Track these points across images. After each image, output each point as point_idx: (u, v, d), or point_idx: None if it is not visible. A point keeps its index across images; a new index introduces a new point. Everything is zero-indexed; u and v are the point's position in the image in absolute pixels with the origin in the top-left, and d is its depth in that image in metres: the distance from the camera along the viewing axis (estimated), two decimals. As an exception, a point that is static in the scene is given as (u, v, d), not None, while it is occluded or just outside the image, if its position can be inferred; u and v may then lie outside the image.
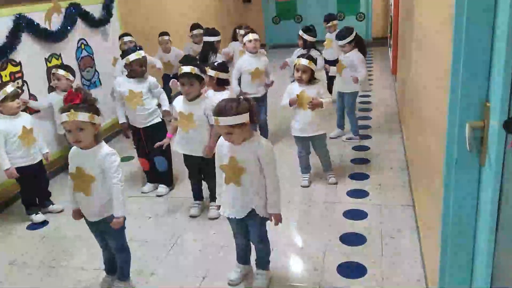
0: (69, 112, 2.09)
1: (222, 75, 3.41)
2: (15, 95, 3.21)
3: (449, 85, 1.53)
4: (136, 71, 3.48)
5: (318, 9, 9.88)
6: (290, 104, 3.43)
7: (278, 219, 2.32)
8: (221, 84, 3.43)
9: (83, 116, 2.11)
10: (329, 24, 5.63)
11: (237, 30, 5.34)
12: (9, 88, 3.17)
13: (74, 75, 3.92)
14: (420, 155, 2.86)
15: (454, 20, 1.45)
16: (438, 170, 1.87)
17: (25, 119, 3.29)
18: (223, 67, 3.46)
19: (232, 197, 2.27)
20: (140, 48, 3.54)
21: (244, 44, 4.37)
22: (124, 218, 2.31)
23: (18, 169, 3.24)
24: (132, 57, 3.45)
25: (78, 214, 2.36)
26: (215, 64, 3.46)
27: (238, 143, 2.18)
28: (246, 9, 10.42)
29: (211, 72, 3.38)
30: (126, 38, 4.73)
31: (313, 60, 3.44)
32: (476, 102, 1.43)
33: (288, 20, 10.28)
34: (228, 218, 2.40)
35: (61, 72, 3.80)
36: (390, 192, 3.42)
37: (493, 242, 1.41)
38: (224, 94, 3.28)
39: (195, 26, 5.64)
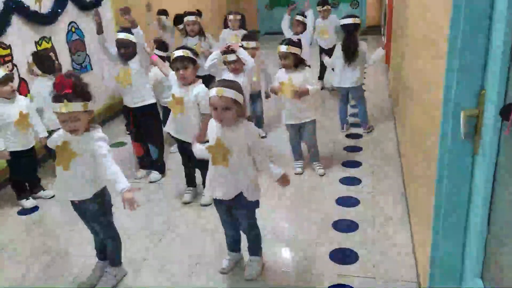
0: (62, 104, 2.04)
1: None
2: (7, 79, 3.15)
3: (444, 73, 1.52)
4: (121, 53, 3.44)
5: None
6: (272, 91, 3.45)
7: (286, 179, 2.31)
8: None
9: (77, 106, 2.06)
10: (324, 8, 5.56)
11: (228, 16, 5.26)
12: (1, 72, 3.12)
13: (52, 72, 3.60)
14: (413, 143, 2.87)
15: (451, 7, 1.44)
16: (431, 158, 1.88)
17: (22, 103, 3.25)
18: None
19: (220, 178, 2.26)
20: (125, 30, 3.46)
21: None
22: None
23: (12, 153, 3.20)
24: (117, 35, 3.44)
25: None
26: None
27: (228, 123, 2.17)
28: (240, -5, 10.31)
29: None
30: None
31: (294, 44, 3.39)
32: (471, 90, 1.43)
33: (281, 7, 10.18)
34: (217, 206, 2.40)
35: (37, 71, 3.63)
36: (383, 179, 3.44)
37: (485, 230, 1.42)
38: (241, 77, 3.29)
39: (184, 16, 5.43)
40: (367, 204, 3.11)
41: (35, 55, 3.70)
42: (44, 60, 3.64)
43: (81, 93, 2.09)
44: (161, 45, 4.12)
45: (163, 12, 5.58)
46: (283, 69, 3.47)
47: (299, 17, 5.08)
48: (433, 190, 1.68)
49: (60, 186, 2.28)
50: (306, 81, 3.39)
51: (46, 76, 3.54)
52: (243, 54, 3.23)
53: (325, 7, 5.58)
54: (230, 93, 2.12)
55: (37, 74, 3.63)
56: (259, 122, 4.46)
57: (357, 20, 4.20)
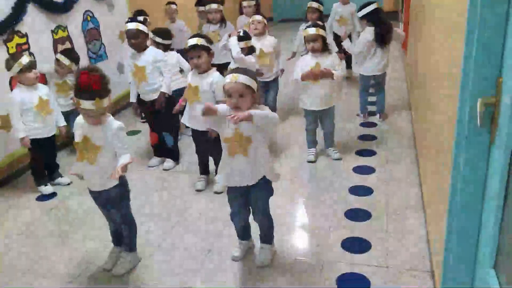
0: (94, 101, 2.09)
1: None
2: (31, 66, 3.21)
3: (462, 60, 1.49)
4: (131, 43, 3.44)
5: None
6: (303, 79, 3.36)
7: (244, 116, 2.09)
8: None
9: (106, 102, 2.15)
10: None
11: (242, 3, 5.21)
12: (24, 60, 3.18)
13: (77, 63, 3.80)
14: (428, 132, 2.83)
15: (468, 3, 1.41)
16: (447, 147, 1.85)
17: (42, 90, 3.32)
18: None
19: (239, 167, 2.25)
20: (135, 20, 3.46)
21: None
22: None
23: (32, 140, 3.28)
24: (126, 26, 3.44)
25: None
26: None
27: (243, 110, 2.16)
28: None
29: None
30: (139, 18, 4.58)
31: (321, 27, 3.37)
32: (488, 78, 1.40)
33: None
34: (231, 194, 2.40)
35: (66, 62, 3.70)
36: (397, 169, 3.41)
37: (499, 220, 1.40)
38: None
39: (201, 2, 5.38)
40: (381, 193, 3.08)
41: (64, 52, 3.82)
42: (70, 53, 3.81)
43: (107, 87, 2.15)
44: (163, 33, 3.98)
45: (171, 1, 5.49)
46: (308, 55, 3.43)
47: (314, 4, 4.83)
48: (449, 179, 1.66)
49: (90, 181, 2.34)
50: (333, 66, 3.36)
51: (72, 67, 3.70)
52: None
53: None
54: (245, 79, 2.12)
55: (63, 67, 3.72)
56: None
57: (379, 4, 4.15)
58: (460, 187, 1.57)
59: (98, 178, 2.29)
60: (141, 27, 3.41)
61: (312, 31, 3.33)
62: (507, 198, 1.36)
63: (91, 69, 2.16)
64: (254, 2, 5.03)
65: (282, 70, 4.37)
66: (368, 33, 4.10)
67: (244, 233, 2.55)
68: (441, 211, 1.87)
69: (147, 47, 3.49)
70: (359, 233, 2.66)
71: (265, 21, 4.18)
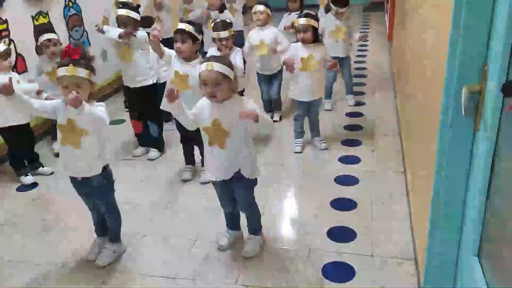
0: (68, 67, 2.04)
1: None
2: (6, 54, 3.13)
3: (447, 48, 1.49)
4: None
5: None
6: (287, 65, 3.29)
7: (251, 114, 2.08)
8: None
9: (82, 72, 2.06)
10: None
11: None
12: (1, 47, 3.10)
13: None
14: (414, 120, 2.84)
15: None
16: (431, 135, 1.86)
17: (14, 76, 3.22)
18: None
19: (217, 159, 2.24)
20: (125, 6, 3.39)
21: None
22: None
23: (8, 128, 3.22)
24: (117, 12, 3.37)
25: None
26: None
27: (220, 100, 2.14)
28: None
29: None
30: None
31: (313, 17, 3.35)
32: (474, 66, 1.39)
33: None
34: (214, 185, 2.39)
35: (54, 36, 3.58)
36: (382, 158, 3.43)
37: (483, 208, 1.41)
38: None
39: None
40: (366, 183, 3.10)
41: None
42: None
43: (88, 62, 2.10)
44: (145, 20, 3.87)
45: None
46: (299, 44, 3.39)
47: None
48: (433, 166, 1.67)
49: (70, 165, 2.27)
50: (324, 58, 3.36)
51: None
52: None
53: None
54: (220, 67, 2.08)
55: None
56: (276, 105, 4.33)
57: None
58: (444, 175, 1.58)
59: (83, 164, 2.23)
60: (132, 14, 3.34)
61: (303, 21, 3.29)
62: (490, 186, 1.37)
63: (76, 44, 2.15)
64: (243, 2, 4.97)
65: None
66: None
67: (232, 223, 2.54)
68: (425, 200, 1.89)
69: (137, 30, 3.40)
70: (344, 222, 2.67)
71: (269, 11, 4.03)
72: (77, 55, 2.05)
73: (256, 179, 2.35)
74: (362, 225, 2.63)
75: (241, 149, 2.21)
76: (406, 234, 2.51)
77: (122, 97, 4.62)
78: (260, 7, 4.02)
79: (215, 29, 3.36)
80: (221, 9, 4.67)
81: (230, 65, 2.14)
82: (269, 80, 4.19)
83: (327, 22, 4.19)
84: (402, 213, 2.71)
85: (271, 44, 3.90)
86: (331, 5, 4.16)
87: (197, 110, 2.25)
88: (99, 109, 2.17)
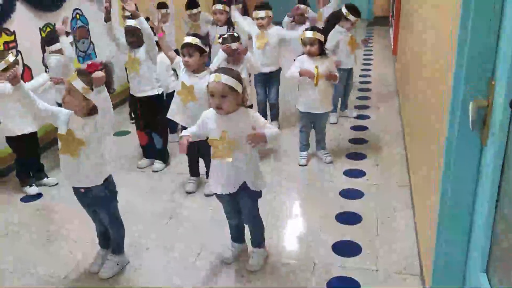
0: (73, 74, 2.12)
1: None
2: (15, 64, 3.16)
3: (454, 62, 1.49)
4: (128, 41, 3.41)
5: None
6: (301, 74, 3.31)
7: (259, 138, 2.12)
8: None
9: (78, 84, 2.09)
10: None
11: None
12: (11, 58, 3.12)
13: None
14: (419, 134, 2.83)
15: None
16: (437, 149, 1.85)
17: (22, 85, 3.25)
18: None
19: (223, 172, 2.23)
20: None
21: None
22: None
23: (17, 137, 3.24)
24: (126, 22, 3.40)
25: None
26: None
27: (226, 112, 2.14)
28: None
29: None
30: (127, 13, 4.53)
31: (319, 30, 3.38)
32: (481, 80, 1.40)
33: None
34: (220, 198, 2.38)
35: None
36: (388, 172, 3.41)
37: (491, 223, 1.40)
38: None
39: (191, 4, 5.18)
40: (371, 197, 3.08)
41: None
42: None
43: (91, 80, 2.09)
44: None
45: (162, 5, 5.12)
46: (305, 57, 3.41)
47: (301, 6, 4.63)
48: (439, 181, 1.66)
49: (69, 175, 2.28)
50: (330, 70, 3.39)
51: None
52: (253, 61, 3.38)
53: None
54: (227, 79, 2.09)
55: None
56: (273, 113, 4.36)
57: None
58: (451, 190, 1.57)
59: (81, 174, 2.23)
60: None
61: (310, 34, 3.32)
62: (498, 201, 1.36)
63: (103, 63, 2.19)
64: (241, 5, 4.99)
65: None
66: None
67: (237, 235, 2.53)
68: (432, 214, 1.87)
69: (143, 42, 3.44)
70: (349, 236, 2.64)
71: (270, 13, 4.08)
72: (90, 69, 2.07)
73: (260, 191, 2.34)
74: (367, 239, 2.61)
75: (246, 161, 2.21)
76: (411, 248, 2.49)
77: (127, 109, 4.64)
78: (262, 13, 4.06)
79: (224, 43, 3.39)
80: (228, 24, 4.68)
81: (238, 78, 2.15)
82: (267, 81, 4.21)
83: (336, 34, 4.20)
84: (407, 227, 2.69)
85: (274, 42, 4.05)
86: (349, 16, 4.17)
87: (202, 122, 2.27)
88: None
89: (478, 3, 1.35)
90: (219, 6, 4.56)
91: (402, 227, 2.70)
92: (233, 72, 2.18)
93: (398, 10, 6.21)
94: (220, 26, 4.65)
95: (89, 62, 2.18)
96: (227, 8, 4.58)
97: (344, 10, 4.19)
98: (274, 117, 4.36)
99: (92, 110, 2.18)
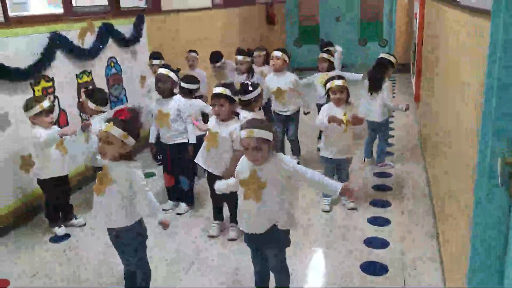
0: (108, 123, 2.22)
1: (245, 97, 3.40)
2: (49, 110, 3.33)
3: (480, 118, 1.53)
4: (158, 87, 3.56)
5: (341, 33, 9.97)
6: (330, 121, 3.35)
7: (349, 191, 2.29)
8: (247, 105, 3.46)
9: (116, 132, 2.20)
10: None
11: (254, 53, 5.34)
12: (46, 103, 3.29)
13: (104, 104, 3.64)
14: (446, 186, 2.82)
15: (487, 54, 1.46)
16: (465, 203, 1.85)
17: (55, 129, 3.39)
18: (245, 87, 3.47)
19: (251, 213, 2.26)
20: (166, 66, 3.62)
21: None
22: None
23: (50, 179, 3.36)
24: (158, 70, 3.59)
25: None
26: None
27: (261, 163, 2.21)
28: (270, 31, 10.57)
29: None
30: (155, 61, 4.76)
31: (345, 79, 3.50)
32: (508, 137, 1.42)
33: (310, 44, 10.36)
34: (247, 242, 2.40)
35: (91, 105, 3.58)
36: (413, 221, 3.37)
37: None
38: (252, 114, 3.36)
39: (215, 57, 5.46)
40: (397, 246, 3.04)
41: (88, 92, 3.73)
42: (96, 94, 3.69)
43: (129, 126, 2.23)
44: (189, 78, 4.06)
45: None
46: (331, 104, 3.49)
47: (324, 54, 4.88)
48: (469, 237, 1.65)
49: (97, 212, 2.36)
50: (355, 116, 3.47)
51: (101, 109, 3.57)
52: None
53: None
54: (260, 133, 2.16)
55: (91, 109, 3.59)
56: (295, 149, 4.45)
57: (392, 58, 4.34)
58: (480, 247, 1.56)
59: (105, 213, 2.30)
60: (171, 74, 3.55)
61: (339, 82, 3.43)
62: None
63: (130, 108, 2.33)
64: (264, 52, 5.19)
65: (308, 112, 4.50)
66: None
67: (260, 282, 2.52)
68: (461, 269, 1.84)
69: (174, 94, 3.60)
70: None
71: (285, 58, 4.31)
72: (124, 116, 2.19)
73: (289, 239, 2.36)
74: (394, 291, 2.56)
75: (277, 201, 2.24)
76: (440, 303, 2.43)
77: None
78: (277, 53, 4.32)
79: None
80: (248, 73, 4.86)
81: (269, 128, 2.21)
82: (286, 121, 4.32)
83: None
84: (436, 280, 2.63)
85: (288, 90, 4.23)
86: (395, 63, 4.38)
87: (238, 168, 2.35)
88: (138, 175, 2.28)
89: (505, 60, 1.39)
90: (240, 57, 4.83)
91: (430, 280, 2.64)
92: (262, 123, 2.25)
93: (420, 58, 6.32)
94: (241, 75, 4.86)
95: (117, 108, 2.29)
96: (247, 59, 4.85)
97: (391, 58, 4.36)
98: (295, 153, 4.44)
99: (128, 155, 2.28)
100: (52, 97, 3.96)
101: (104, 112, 3.60)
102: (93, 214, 2.40)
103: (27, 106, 3.27)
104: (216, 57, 5.44)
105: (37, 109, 3.24)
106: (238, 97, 3.31)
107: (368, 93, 4.30)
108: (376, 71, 4.30)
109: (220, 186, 2.49)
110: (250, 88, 3.27)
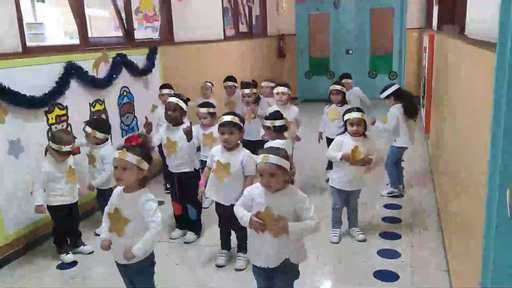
0: (121, 150, 2.24)
1: (278, 122, 3.58)
2: (66, 154, 3.36)
3: (489, 150, 1.52)
4: (168, 115, 3.60)
5: (351, 66, 10.08)
6: (343, 158, 3.38)
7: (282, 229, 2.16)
8: (279, 131, 3.58)
9: (131, 158, 2.23)
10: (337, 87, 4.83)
11: (262, 84, 5.44)
12: (66, 148, 3.28)
13: (108, 132, 3.73)
14: (456, 218, 2.78)
15: (494, 85, 1.47)
16: (476, 235, 1.82)
17: (71, 159, 3.47)
18: (276, 114, 3.66)
19: (265, 246, 2.24)
20: (177, 96, 3.69)
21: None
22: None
23: (57, 207, 3.38)
24: (168, 99, 3.66)
25: (106, 246, 2.35)
26: (268, 114, 3.66)
27: (274, 189, 2.20)
28: (280, 63, 10.75)
29: (266, 123, 3.60)
30: (165, 91, 4.83)
31: (363, 111, 3.52)
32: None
33: (320, 76, 10.49)
34: (255, 273, 2.37)
35: (88, 129, 3.66)
36: (423, 254, 3.31)
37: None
38: (283, 142, 3.43)
39: (228, 78, 5.65)
40: (407, 280, 2.97)
41: (92, 122, 3.78)
42: (100, 123, 3.78)
43: (142, 151, 2.27)
44: (206, 103, 4.11)
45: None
46: (347, 136, 3.48)
47: (337, 86, 4.83)
48: (479, 269, 1.62)
49: (117, 253, 2.35)
50: (369, 151, 3.44)
51: (106, 137, 3.68)
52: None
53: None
54: (275, 159, 2.18)
55: (97, 138, 3.64)
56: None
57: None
58: (491, 279, 1.53)
59: (123, 251, 2.30)
60: (181, 103, 3.60)
61: (357, 115, 3.42)
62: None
63: (140, 134, 2.34)
64: (273, 84, 5.26)
65: (299, 138, 4.55)
66: (395, 108, 4.36)
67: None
68: (473, 303, 1.80)
69: (183, 122, 3.65)
70: (385, 322, 2.53)
71: (289, 92, 4.46)
72: (135, 142, 2.23)
73: (298, 272, 2.33)
74: (404, 326, 2.48)
75: (291, 237, 2.21)
76: None
77: (161, 179, 4.78)
78: (283, 89, 4.43)
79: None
80: (256, 103, 4.91)
81: (285, 156, 2.23)
82: None
83: (396, 113, 4.37)
84: (447, 315, 2.56)
85: (294, 122, 4.35)
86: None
87: (247, 199, 2.33)
88: (147, 209, 2.29)
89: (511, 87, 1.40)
90: (247, 91, 4.93)
91: (441, 315, 2.57)
92: (279, 150, 2.27)
93: (429, 91, 6.35)
94: (247, 107, 4.93)
95: (128, 135, 2.33)
96: (254, 90, 4.97)
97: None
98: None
99: (144, 180, 2.31)
100: (65, 124, 4.04)
101: (107, 140, 3.72)
102: (113, 253, 2.39)
103: (54, 138, 3.32)
104: (229, 77, 5.61)
105: (67, 148, 3.29)
106: (269, 122, 3.54)
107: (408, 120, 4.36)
108: (409, 99, 4.39)
109: (239, 213, 2.36)
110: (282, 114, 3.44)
